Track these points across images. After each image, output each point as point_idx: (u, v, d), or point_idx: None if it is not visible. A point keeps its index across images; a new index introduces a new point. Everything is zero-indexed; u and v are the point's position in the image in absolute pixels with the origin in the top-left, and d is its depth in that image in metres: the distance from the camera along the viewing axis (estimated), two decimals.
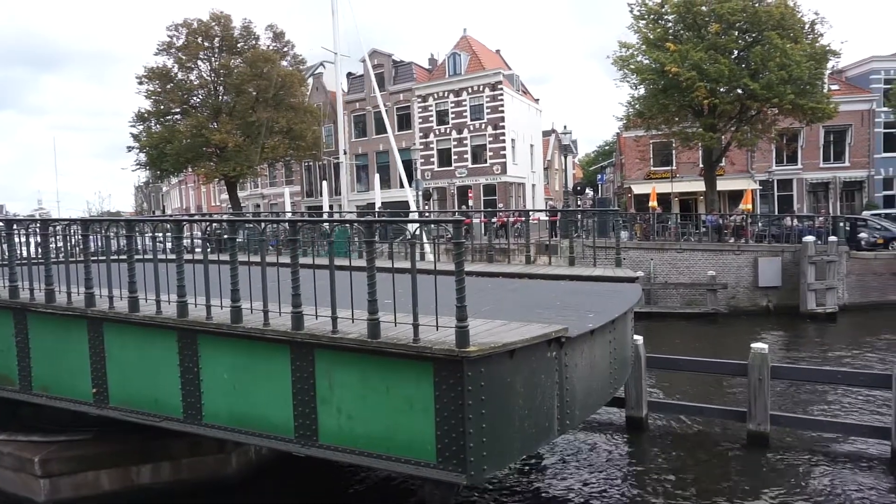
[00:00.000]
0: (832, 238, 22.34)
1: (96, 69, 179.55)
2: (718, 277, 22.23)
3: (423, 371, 4.83)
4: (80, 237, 7.23)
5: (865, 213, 29.36)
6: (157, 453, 7.99)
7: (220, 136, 30.86)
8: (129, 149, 34.29)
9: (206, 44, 32.52)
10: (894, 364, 8.75)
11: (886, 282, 22.82)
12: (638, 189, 35.94)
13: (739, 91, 24.74)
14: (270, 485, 8.54)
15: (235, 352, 5.85)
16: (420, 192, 28.99)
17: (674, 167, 35.58)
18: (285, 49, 35.05)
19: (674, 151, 34.59)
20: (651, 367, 10.81)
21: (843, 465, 8.87)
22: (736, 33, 24.92)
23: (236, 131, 31.98)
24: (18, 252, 7.64)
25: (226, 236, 6.12)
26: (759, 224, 26.45)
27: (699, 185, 31.76)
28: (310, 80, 43.29)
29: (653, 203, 28.62)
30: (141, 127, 33.58)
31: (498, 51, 47.87)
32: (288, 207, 32.72)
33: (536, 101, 49.02)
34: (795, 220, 25.57)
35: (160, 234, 8.08)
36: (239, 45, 33.19)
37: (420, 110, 41.12)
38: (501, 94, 38.62)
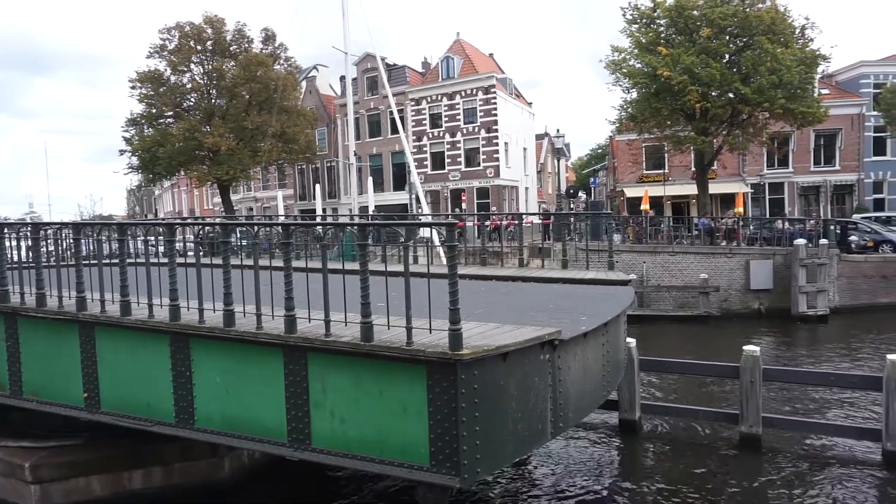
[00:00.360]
0: (823, 241, 22.50)
1: (88, 73, 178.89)
2: (710, 280, 22.33)
3: (417, 374, 4.84)
4: (71, 241, 7.19)
5: (856, 217, 29.58)
6: (148, 458, 7.94)
7: (212, 140, 30.76)
8: (122, 152, 34.13)
9: (198, 47, 32.39)
10: (884, 366, 8.81)
11: (876, 284, 23.00)
12: (630, 192, 36.08)
13: (731, 95, 24.91)
14: (263, 489, 8.50)
15: (228, 355, 5.83)
16: (414, 196, 28.96)
17: (666, 170, 35.75)
18: (278, 52, 34.99)
19: (666, 155, 34.77)
20: (644, 370, 10.84)
21: (835, 467, 8.92)
22: (727, 38, 25.12)
23: (229, 135, 31.88)
24: (9, 256, 7.59)
25: (218, 240, 6.09)
26: (751, 227, 26.61)
27: (691, 189, 31.93)
28: (303, 84, 43.25)
29: (645, 206, 28.73)
30: (133, 130, 33.43)
31: (491, 54, 47.99)
32: (281, 211, 32.59)
33: (529, 104, 49.16)
34: (787, 224, 25.72)
35: (152, 238, 8.04)
36: (232, 49, 33.10)
37: (413, 114, 41.16)
38: (494, 98, 38.72)
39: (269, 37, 34.54)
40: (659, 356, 11.65)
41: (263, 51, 34.06)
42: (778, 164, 35.55)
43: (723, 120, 26.21)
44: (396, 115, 27.02)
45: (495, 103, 38.73)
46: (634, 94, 27.30)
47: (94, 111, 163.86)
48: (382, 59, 42.21)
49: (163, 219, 51.96)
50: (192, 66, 32.86)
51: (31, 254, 7.39)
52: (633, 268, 22.58)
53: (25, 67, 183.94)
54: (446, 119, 40.26)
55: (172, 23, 32.81)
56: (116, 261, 6.53)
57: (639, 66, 25.94)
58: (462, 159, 39.97)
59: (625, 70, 26.33)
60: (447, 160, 40.48)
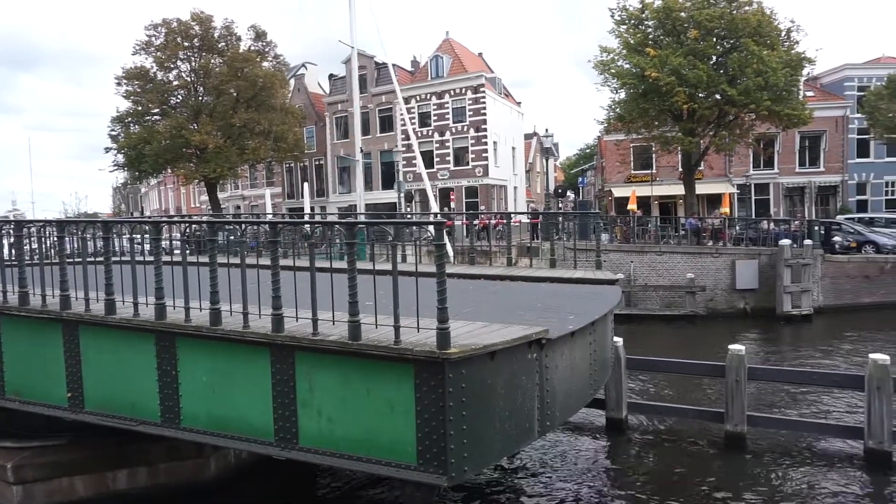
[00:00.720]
0: (807, 241, 22.76)
1: (74, 69, 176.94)
2: (697, 280, 22.50)
3: (404, 373, 4.83)
4: (55, 239, 7.11)
5: (839, 218, 29.95)
6: (133, 458, 7.87)
7: (200, 137, 30.50)
8: (107, 150, 33.76)
9: (185, 43, 32.13)
10: (866, 365, 8.93)
11: (859, 284, 23.29)
12: (618, 192, 36.26)
13: (718, 96, 25.09)
14: (250, 488, 8.46)
15: (214, 354, 5.79)
16: (402, 195, 28.93)
17: (654, 171, 35.97)
18: (266, 49, 34.76)
19: (654, 155, 34.97)
20: (631, 369, 10.91)
21: (819, 465, 9.03)
22: (714, 40, 25.29)
23: (216, 132, 31.63)
24: None
25: (205, 238, 6.05)
26: (737, 227, 26.85)
27: (678, 189, 32.16)
28: (291, 82, 43.04)
29: (633, 206, 28.89)
30: (119, 127, 33.09)
31: (480, 54, 48.03)
32: (269, 209, 32.44)
33: (518, 104, 49.26)
34: (772, 224, 25.99)
35: (138, 236, 7.97)
36: (220, 46, 32.85)
37: (402, 112, 41.07)
38: (484, 97, 38.76)
39: (257, 34, 34.32)
40: (646, 355, 11.72)
41: (252, 48, 33.84)
42: (764, 165, 35.91)
43: (710, 121, 26.41)
44: (406, 113, 26.94)
45: (484, 103, 38.77)
46: (622, 95, 27.43)
47: (79, 108, 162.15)
48: (372, 58, 42.12)
49: (149, 217, 51.54)
50: (179, 63, 32.57)
51: (13, 252, 7.30)
52: (620, 267, 22.71)
53: (10, 63, 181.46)
54: (435, 118, 40.24)
55: (160, 19, 32.45)
56: (101, 259, 6.46)
57: (627, 66, 26.07)
58: (451, 158, 39.97)
59: (613, 70, 26.44)
60: (436, 159, 40.46)
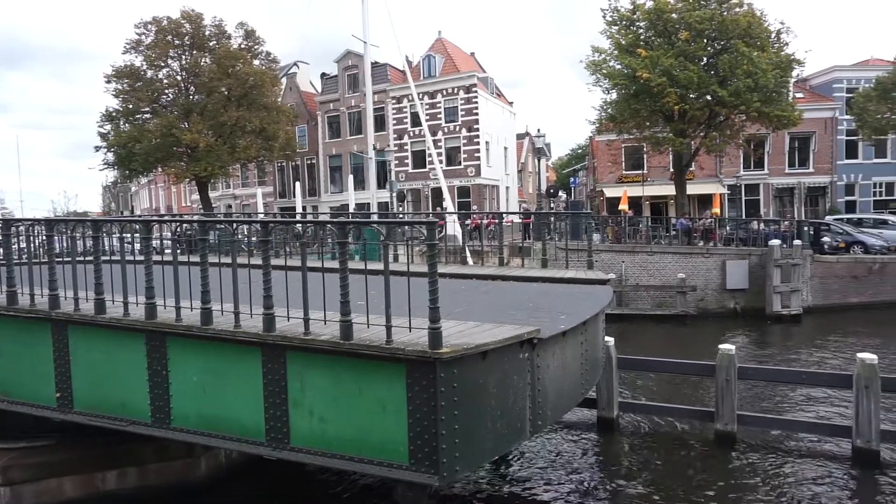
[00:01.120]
0: (797, 242, 22.95)
1: (64, 67, 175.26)
2: (688, 280, 22.63)
3: (396, 372, 4.83)
4: (43, 238, 7.05)
5: (828, 218, 30.21)
6: (123, 458, 7.83)
7: (190, 136, 30.35)
8: (97, 148, 33.54)
9: (175, 42, 31.96)
10: (854, 364, 9.01)
11: (847, 284, 23.51)
12: (610, 192, 36.39)
13: (708, 97, 25.27)
14: (241, 489, 8.43)
15: (205, 354, 5.77)
16: (394, 194, 28.90)
17: (645, 171, 36.15)
18: (256, 47, 34.62)
19: (645, 156, 35.17)
20: (622, 368, 10.96)
21: (808, 463, 9.11)
22: (705, 41, 25.45)
23: (207, 131, 31.47)
24: None
25: (196, 237, 6.02)
26: (728, 228, 27.04)
27: (670, 189, 32.33)
28: (283, 81, 42.89)
29: (624, 206, 29.02)
30: (109, 126, 32.86)
31: (472, 53, 48.07)
32: (260, 208, 32.28)
33: (511, 104, 49.33)
34: (762, 224, 26.18)
35: (128, 235, 7.92)
36: (210, 44, 32.69)
37: (394, 112, 41.07)
38: (476, 97, 38.79)
39: (246, 32, 34.18)
40: (637, 355, 11.78)
41: (242, 46, 33.70)
42: (754, 165, 36.17)
43: (700, 122, 26.57)
44: (420, 109, 26.85)
45: (476, 102, 38.81)
46: (614, 95, 27.57)
47: (69, 106, 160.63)
48: (345, 58, 42.07)
49: (139, 216, 51.20)
50: (170, 61, 32.39)
51: (1, 251, 7.23)
52: (611, 267, 22.80)
53: None
54: (427, 118, 40.18)
55: (150, 17, 32.28)
56: (91, 258, 6.42)
57: (618, 67, 26.19)
58: (443, 158, 39.97)
59: (605, 71, 26.56)
60: (428, 159, 40.43)
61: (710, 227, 26.09)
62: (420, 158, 40.83)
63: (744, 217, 32.57)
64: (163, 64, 32.30)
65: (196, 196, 41.20)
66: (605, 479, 8.89)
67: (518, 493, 8.44)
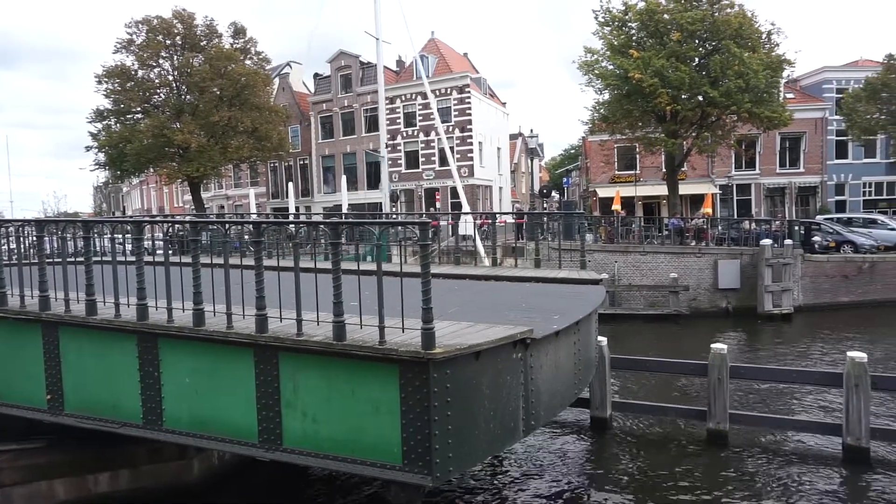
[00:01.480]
0: (788, 241, 23.07)
1: (56, 66, 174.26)
2: (680, 280, 22.72)
3: (389, 373, 4.83)
4: (34, 238, 7.00)
5: (819, 218, 30.41)
6: (115, 461, 7.78)
7: (182, 137, 30.20)
8: (88, 148, 33.33)
9: (167, 41, 31.80)
10: (844, 363, 9.08)
11: (838, 284, 23.67)
12: (603, 192, 36.51)
13: (700, 98, 25.39)
14: (234, 490, 8.39)
15: (197, 355, 5.74)
16: (387, 195, 28.87)
17: (637, 171, 36.28)
18: (248, 47, 34.49)
19: (637, 156, 35.28)
20: (615, 368, 10.99)
21: (798, 462, 9.17)
22: (696, 42, 25.57)
23: (199, 131, 31.32)
24: None
25: (188, 238, 6.00)
26: (719, 227, 27.16)
27: (662, 189, 32.45)
28: (276, 81, 42.78)
29: (617, 206, 29.12)
30: (100, 126, 32.65)
31: (465, 54, 48.07)
32: (253, 209, 32.22)
33: (503, 104, 49.38)
34: (753, 224, 26.32)
35: (119, 236, 7.88)
36: (202, 44, 32.54)
37: (387, 112, 40.97)
38: (469, 97, 38.80)
39: (237, 31, 34.04)
40: (630, 354, 11.82)
41: (234, 45, 33.56)
42: (745, 165, 36.38)
43: (692, 122, 26.69)
44: (434, 104, 26.75)
45: (469, 103, 38.82)
46: (607, 96, 27.64)
47: (60, 105, 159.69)
48: (357, 57, 41.96)
49: (131, 216, 50.91)
50: (161, 61, 32.22)
51: None
52: (604, 267, 22.86)
53: None
54: (420, 118, 40.21)
55: (141, 16, 32.06)
56: (81, 259, 6.38)
57: (611, 67, 26.27)
58: (436, 158, 39.96)
59: (597, 71, 26.63)
60: (421, 159, 40.45)
61: (702, 227, 26.20)
62: (413, 159, 40.80)
63: (735, 217, 32.77)
64: (154, 64, 32.12)
65: (188, 197, 41.03)
66: (598, 478, 8.91)
67: (511, 494, 8.45)
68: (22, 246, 7.51)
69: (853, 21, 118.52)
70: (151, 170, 35.82)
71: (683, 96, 25.06)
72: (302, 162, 44.66)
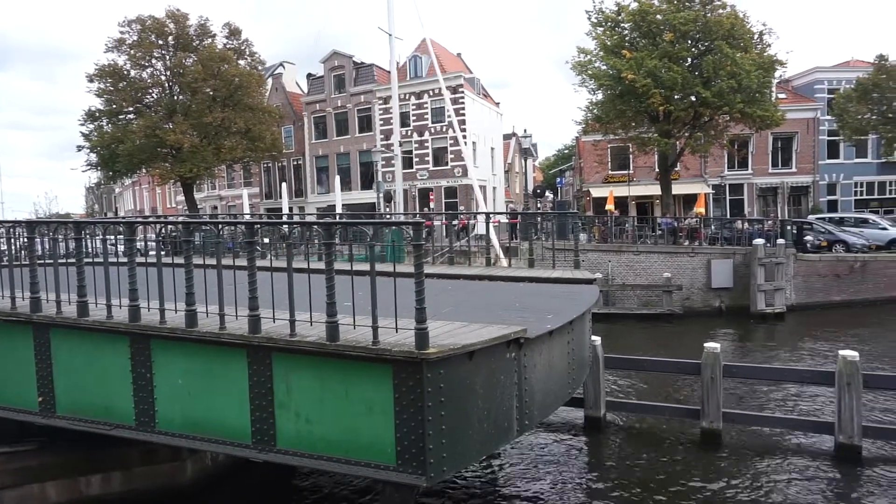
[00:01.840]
0: (780, 241, 23.20)
1: (48, 66, 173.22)
2: (673, 279, 22.80)
3: (383, 373, 4.82)
4: (25, 240, 6.96)
5: (811, 217, 30.58)
6: (107, 463, 7.73)
7: (175, 137, 30.08)
8: (80, 148, 33.17)
9: (160, 41, 31.66)
10: (837, 361, 9.13)
11: (830, 283, 23.81)
12: (596, 192, 36.60)
13: (693, 98, 25.48)
14: (227, 491, 8.36)
15: (190, 356, 5.72)
16: (381, 195, 28.84)
17: (631, 171, 36.38)
18: (242, 48, 34.39)
19: (631, 156, 35.36)
20: (609, 367, 11.02)
21: (791, 460, 9.21)
22: (689, 42, 25.66)
23: (192, 132, 31.20)
24: None
25: (181, 238, 5.97)
26: (712, 227, 27.28)
27: (655, 189, 32.57)
28: (269, 81, 42.63)
29: (610, 206, 29.19)
30: (91, 126, 32.47)
31: (459, 54, 48.08)
32: (246, 209, 32.06)
33: (497, 104, 49.43)
34: (746, 224, 26.44)
35: (111, 237, 7.84)
36: (195, 44, 32.42)
37: (381, 112, 40.97)
38: (462, 98, 38.80)
39: (231, 31, 33.93)
40: (623, 354, 11.85)
41: (227, 46, 33.46)
42: (738, 165, 36.57)
43: (685, 122, 26.79)
44: (450, 104, 26.72)
45: (463, 103, 38.82)
46: (600, 96, 27.70)
47: (52, 106, 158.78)
48: (350, 57, 41.87)
49: (123, 217, 50.68)
50: (154, 61, 32.08)
51: None
52: (598, 267, 22.92)
53: None
54: (414, 118, 40.19)
55: (134, 16, 31.94)
56: (73, 260, 6.34)
57: (604, 68, 26.33)
58: (430, 158, 39.97)
59: (590, 72, 26.69)
60: (415, 159, 40.42)
61: (695, 227, 26.30)
62: (407, 159, 40.75)
63: (728, 216, 32.92)
64: (146, 64, 31.99)
65: (181, 197, 40.88)
66: (591, 477, 8.93)
67: (505, 493, 8.45)
68: (13, 247, 7.45)
69: (844, 21, 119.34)
70: (144, 170, 35.67)
71: (676, 96, 25.15)
72: (295, 162, 44.55)
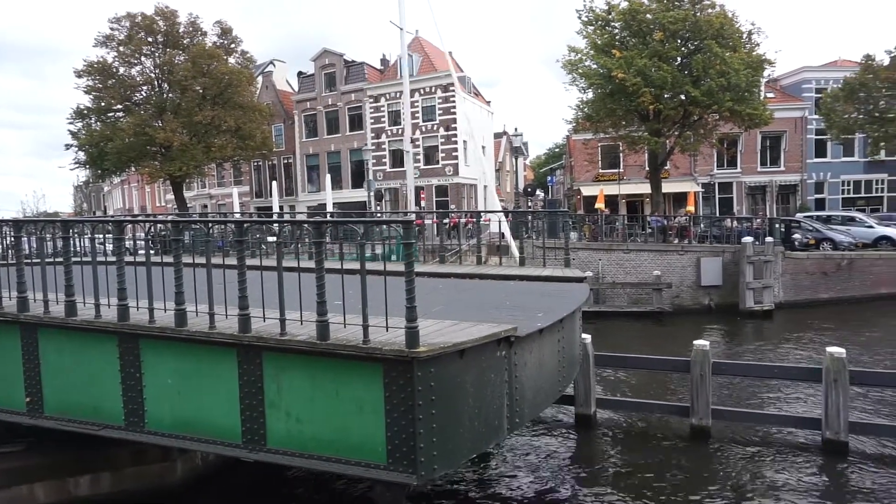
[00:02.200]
0: (769, 239, 23.38)
1: (35, 64, 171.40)
2: (663, 277, 22.92)
3: (373, 372, 4.83)
4: (11, 239, 6.90)
5: (799, 216, 30.83)
6: (97, 463, 7.68)
7: (164, 135, 29.87)
8: (68, 146, 32.85)
9: (149, 39, 31.42)
10: (824, 358, 9.22)
11: (817, 281, 24.03)
12: (586, 191, 36.72)
13: (682, 97, 25.62)
14: (217, 491, 8.33)
15: (180, 356, 5.70)
16: (372, 193, 28.81)
17: (621, 170, 36.55)
18: (232, 46, 34.18)
19: (621, 154, 35.53)
20: (599, 365, 11.06)
21: (779, 455, 9.30)
22: (678, 41, 25.80)
23: (182, 130, 30.99)
24: None
25: (170, 237, 5.94)
26: (702, 225, 27.44)
27: (645, 188, 32.72)
28: (259, 79, 42.43)
29: (601, 205, 29.30)
30: (80, 124, 32.17)
31: (450, 53, 47.99)
32: (236, 208, 31.92)
33: (488, 103, 49.44)
34: (735, 222, 26.62)
35: (100, 236, 7.78)
36: (184, 41, 32.20)
37: (372, 111, 40.88)
38: (453, 96, 38.76)
39: (223, 30, 33.74)
40: (614, 351, 11.91)
41: (217, 44, 33.25)
42: (727, 164, 36.84)
43: (675, 121, 26.93)
44: (460, 101, 26.52)
45: (454, 101, 38.79)
46: (590, 95, 27.81)
47: (39, 104, 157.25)
48: (341, 56, 41.70)
49: (111, 216, 50.28)
50: (143, 58, 31.83)
51: None
52: (588, 265, 23.00)
53: None
54: (405, 117, 40.06)
55: (123, 12, 31.63)
56: (61, 259, 6.30)
57: (594, 67, 26.42)
58: (421, 157, 39.91)
59: (581, 70, 26.78)
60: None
61: (684, 225, 26.46)
62: (398, 158, 40.69)
63: (717, 215, 33.12)
64: (136, 61, 31.73)
65: (171, 196, 40.58)
66: (582, 474, 8.97)
67: (496, 491, 8.48)
68: (0, 246, 7.38)
69: (832, 21, 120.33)
70: (133, 169, 35.41)
71: (666, 95, 25.28)
72: (286, 161, 44.38)
